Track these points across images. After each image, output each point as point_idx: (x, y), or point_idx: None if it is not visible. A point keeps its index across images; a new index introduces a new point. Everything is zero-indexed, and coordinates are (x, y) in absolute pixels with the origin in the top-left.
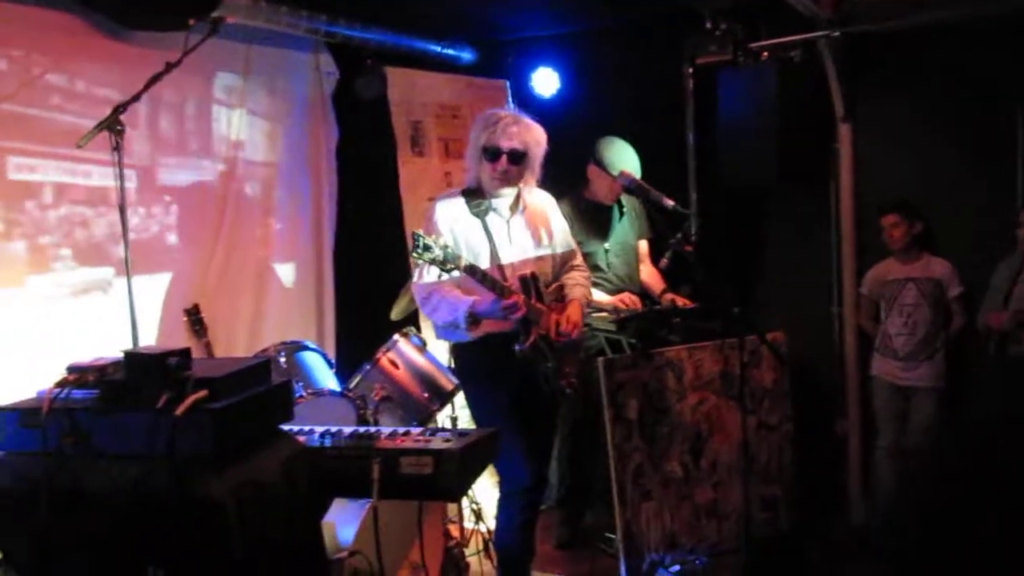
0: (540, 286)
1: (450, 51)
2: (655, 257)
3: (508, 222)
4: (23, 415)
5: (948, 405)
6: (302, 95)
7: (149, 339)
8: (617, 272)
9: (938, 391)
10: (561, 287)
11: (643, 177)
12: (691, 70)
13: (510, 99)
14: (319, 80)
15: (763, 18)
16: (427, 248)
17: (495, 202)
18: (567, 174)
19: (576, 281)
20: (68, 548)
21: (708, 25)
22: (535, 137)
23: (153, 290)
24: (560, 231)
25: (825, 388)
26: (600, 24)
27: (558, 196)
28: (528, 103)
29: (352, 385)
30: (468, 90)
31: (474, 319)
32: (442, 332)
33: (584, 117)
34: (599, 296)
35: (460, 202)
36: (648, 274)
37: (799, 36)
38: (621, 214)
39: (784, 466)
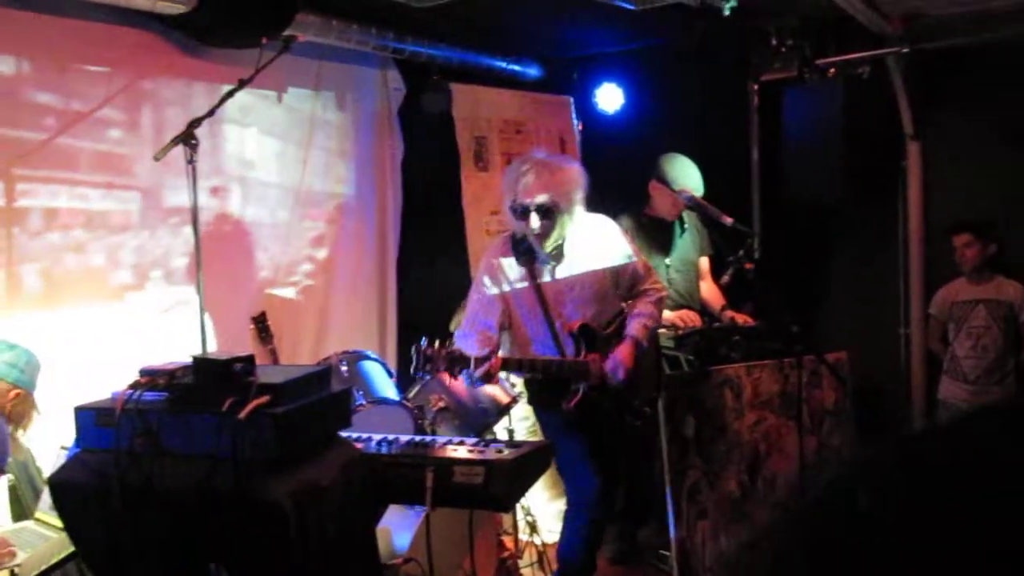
0: (590, 337)
1: (515, 67)
2: (717, 274)
3: (554, 269)
4: (99, 415)
5: None
6: (370, 110)
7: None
8: (678, 288)
9: None
10: (623, 323)
11: (706, 194)
12: (756, 87)
13: (574, 115)
14: (386, 96)
15: (831, 35)
16: (428, 360)
17: (539, 251)
18: (630, 190)
19: (637, 312)
20: (137, 542)
21: (774, 42)
22: (563, 182)
23: (221, 301)
24: (617, 258)
25: (892, 411)
26: (665, 41)
27: (620, 211)
28: (592, 119)
29: (411, 395)
30: (532, 106)
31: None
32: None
33: (648, 133)
34: None
35: (509, 255)
36: (708, 291)
37: (867, 53)
38: (683, 230)
39: None
